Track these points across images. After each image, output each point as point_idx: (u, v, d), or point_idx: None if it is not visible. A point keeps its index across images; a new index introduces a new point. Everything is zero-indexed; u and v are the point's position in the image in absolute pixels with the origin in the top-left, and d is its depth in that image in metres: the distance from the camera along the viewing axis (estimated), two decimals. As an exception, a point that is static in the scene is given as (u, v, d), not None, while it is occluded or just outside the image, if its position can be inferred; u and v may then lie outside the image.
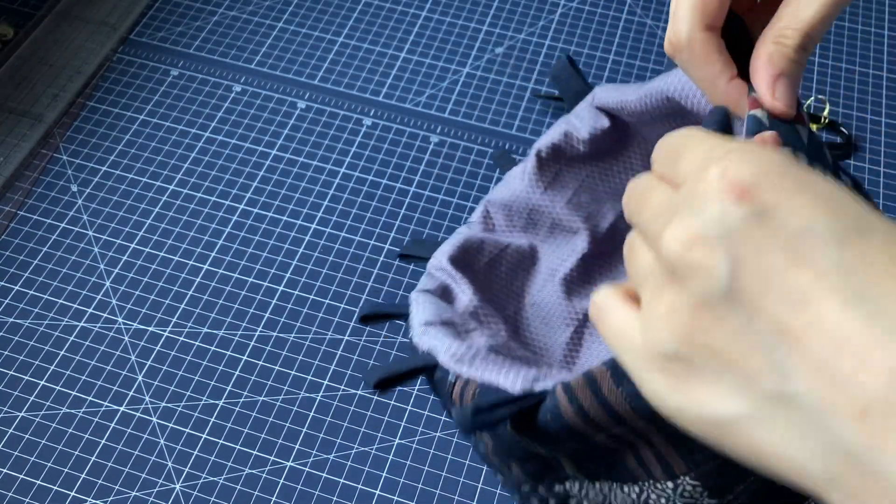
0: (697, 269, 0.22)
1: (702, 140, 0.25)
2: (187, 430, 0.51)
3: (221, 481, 0.50)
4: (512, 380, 0.30)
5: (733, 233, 0.21)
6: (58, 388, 0.53)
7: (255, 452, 0.51)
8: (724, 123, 0.26)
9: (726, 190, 0.22)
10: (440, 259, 0.41)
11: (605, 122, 0.42)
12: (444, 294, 0.39)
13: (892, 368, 0.18)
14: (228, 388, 0.53)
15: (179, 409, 0.52)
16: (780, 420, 0.21)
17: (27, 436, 0.51)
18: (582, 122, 0.42)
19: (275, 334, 0.55)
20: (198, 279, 0.58)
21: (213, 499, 0.49)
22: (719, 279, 0.21)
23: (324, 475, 0.50)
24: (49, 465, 0.50)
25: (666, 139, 0.26)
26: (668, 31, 0.31)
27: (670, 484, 0.29)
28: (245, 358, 0.54)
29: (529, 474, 0.32)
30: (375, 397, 0.53)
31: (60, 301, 0.56)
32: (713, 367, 0.22)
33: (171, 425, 0.51)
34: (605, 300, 0.27)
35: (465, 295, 0.39)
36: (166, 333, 0.55)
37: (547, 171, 0.44)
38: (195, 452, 0.50)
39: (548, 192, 0.44)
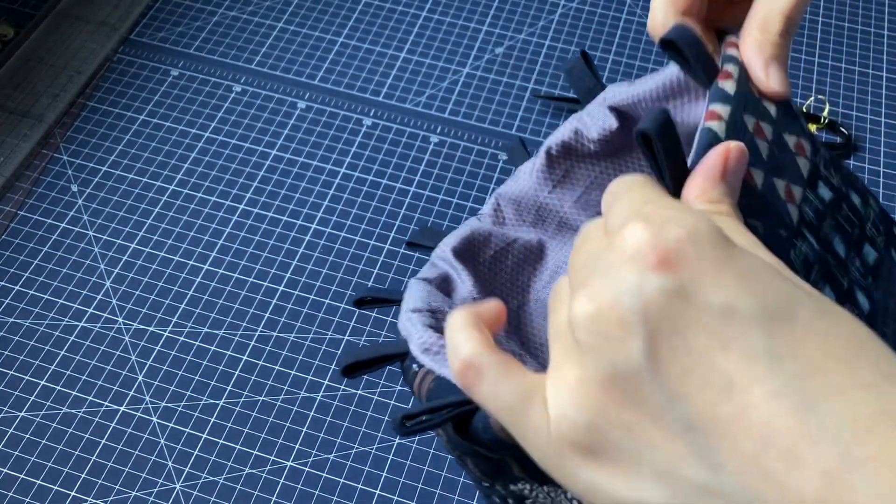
0: (607, 342, 0.20)
1: (637, 189, 0.23)
2: (187, 430, 0.51)
3: (222, 481, 0.50)
4: None
5: (650, 306, 0.19)
6: (58, 388, 0.53)
7: (255, 452, 0.51)
8: (662, 122, 0.24)
9: (646, 255, 0.20)
10: (444, 249, 0.40)
11: (613, 123, 0.41)
12: (444, 284, 0.39)
13: (825, 471, 0.17)
14: (229, 387, 0.53)
15: (180, 408, 0.52)
16: None
17: (27, 436, 0.51)
18: (593, 120, 0.42)
19: (275, 334, 0.55)
20: (198, 279, 0.58)
21: (213, 498, 0.49)
22: (632, 355, 0.19)
23: (324, 475, 0.50)
24: (49, 464, 0.50)
25: (613, 182, 0.24)
26: (648, 21, 0.32)
27: None
28: (245, 358, 0.54)
29: (483, 472, 0.31)
30: (376, 397, 0.53)
31: (61, 301, 0.56)
32: (631, 448, 0.20)
33: (171, 425, 0.51)
34: (485, 363, 0.23)
35: (464, 286, 0.38)
36: (166, 333, 0.55)
37: (557, 168, 0.43)
38: (195, 452, 0.51)
39: (556, 191, 0.43)
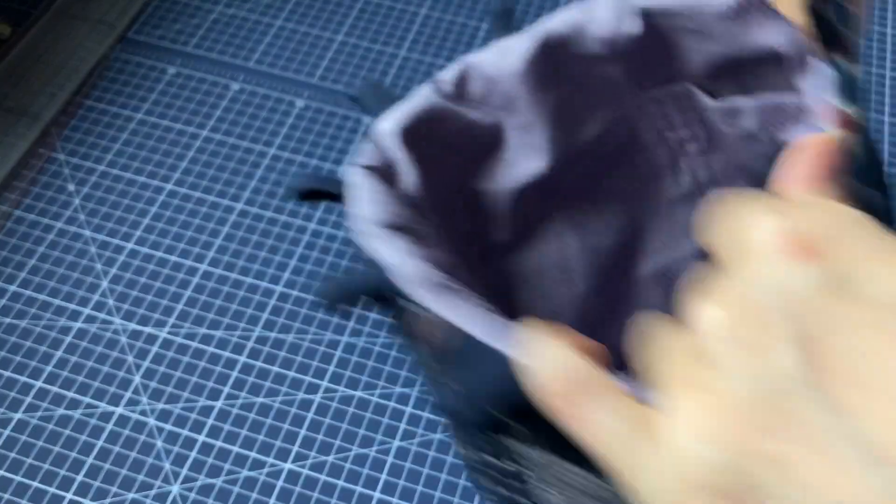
0: (750, 353, 0.16)
1: (761, 205, 0.19)
2: (185, 432, 0.51)
3: (219, 483, 0.49)
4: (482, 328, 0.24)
5: (793, 299, 0.16)
6: (54, 389, 0.52)
7: (253, 454, 0.50)
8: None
9: (779, 245, 0.17)
10: (387, 128, 0.31)
11: (635, 27, 0.32)
12: (387, 174, 0.31)
13: None
14: (226, 389, 0.53)
15: (177, 410, 0.52)
16: None
17: (23, 437, 0.50)
18: (605, 13, 0.33)
19: (273, 335, 0.55)
20: (195, 279, 0.57)
21: (210, 501, 0.49)
22: (784, 363, 0.16)
23: (322, 477, 0.50)
24: (46, 466, 0.49)
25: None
26: None
27: None
28: (243, 359, 0.54)
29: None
30: (375, 399, 0.53)
31: (57, 301, 0.56)
32: (783, 491, 0.15)
33: (168, 427, 0.51)
34: (595, 382, 0.19)
35: (407, 181, 0.31)
36: (164, 334, 0.55)
37: (547, 62, 0.35)
38: (193, 454, 0.50)
39: (538, 91, 0.34)
